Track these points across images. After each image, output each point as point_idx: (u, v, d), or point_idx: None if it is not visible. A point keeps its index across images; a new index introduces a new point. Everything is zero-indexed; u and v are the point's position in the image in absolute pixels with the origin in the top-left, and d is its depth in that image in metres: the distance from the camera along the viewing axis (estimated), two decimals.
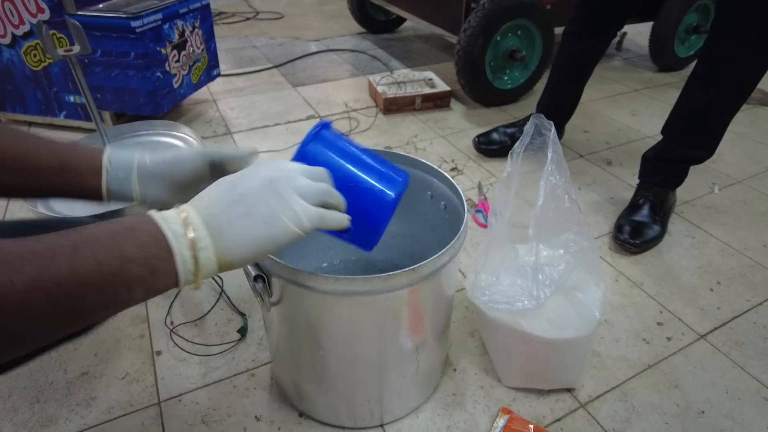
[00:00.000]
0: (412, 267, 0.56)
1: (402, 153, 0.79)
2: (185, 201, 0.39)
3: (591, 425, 0.76)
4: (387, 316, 0.60)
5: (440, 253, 0.58)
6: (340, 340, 0.62)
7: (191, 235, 0.35)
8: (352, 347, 0.63)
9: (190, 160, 0.50)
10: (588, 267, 0.75)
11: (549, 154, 0.70)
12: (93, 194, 0.49)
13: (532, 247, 0.70)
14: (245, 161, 0.52)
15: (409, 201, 0.83)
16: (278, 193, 0.38)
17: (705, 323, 0.93)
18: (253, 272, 0.60)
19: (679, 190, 1.22)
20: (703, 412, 0.78)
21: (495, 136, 1.46)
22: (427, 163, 0.77)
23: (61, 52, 0.75)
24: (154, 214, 0.35)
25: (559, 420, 0.77)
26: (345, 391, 0.70)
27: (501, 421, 0.75)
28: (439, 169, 0.75)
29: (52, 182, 0.47)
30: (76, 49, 0.76)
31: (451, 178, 0.73)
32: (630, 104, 1.82)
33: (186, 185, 0.51)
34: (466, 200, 1.28)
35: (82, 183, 0.48)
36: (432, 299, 0.65)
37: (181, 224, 0.35)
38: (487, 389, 0.81)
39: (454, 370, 0.84)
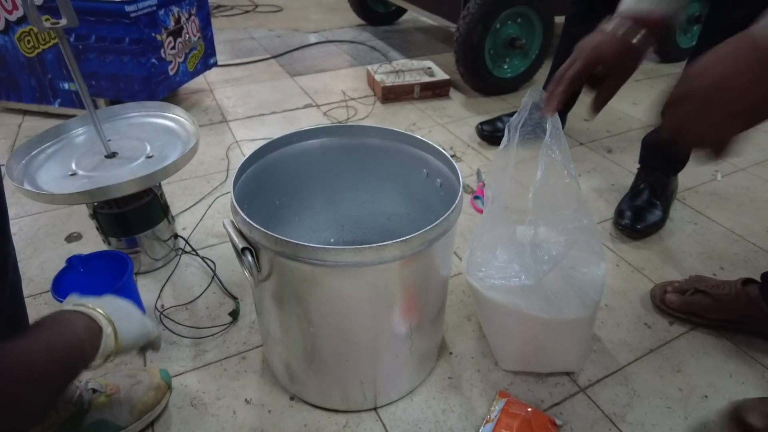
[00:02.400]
0: (404, 238, 0.54)
1: (398, 130, 0.77)
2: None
3: (591, 409, 0.74)
4: (378, 290, 0.58)
5: (433, 224, 0.56)
6: (330, 316, 0.60)
7: (108, 324, 0.55)
8: (343, 324, 0.61)
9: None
10: (588, 246, 0.73)
11: (548, 128, 0.68)
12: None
13: (530, 222, 0.68)
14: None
15: (404, 180, 0.81)
16: (136, 309, 0.62)
17: None
18: (240, 244, 0.58)
19: (680, 177, 1.20)
20: (706, 396, 0.76)
21: (499, 124, 1.44)
22: (423, 139, 0.75)
23: (47, 24, 0.73)
24: (90, 312, 0.54)
25: (558, 404, 0.75)
26: (336, 371, 0.68)
27: (498, 405, 0.73)
28: (434, 145, 0.73)
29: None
30: (63, 21, 0.74)
31: (447, 154, 0.71)
32: (631, 94, 1.80)
33: None
34: (464, 185, 1.26)
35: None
36: (425, 274, 0.62)
37: (104, 318, 0.55)
38: (484, 373, 0.79)
39: (450, 353, 0.82)
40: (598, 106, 0.66)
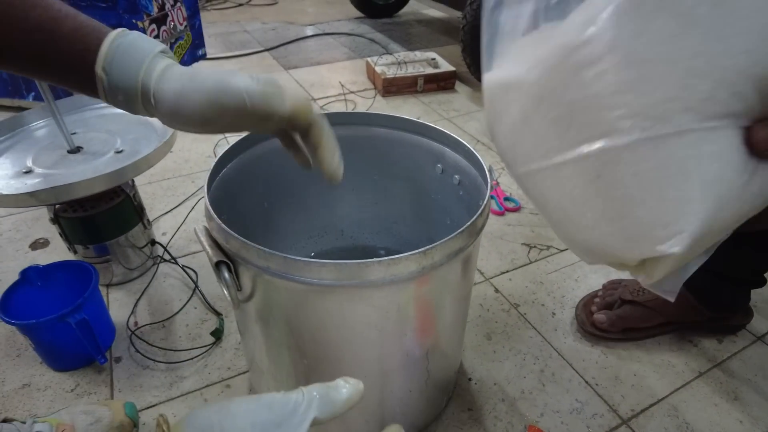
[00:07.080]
0: (422, 249, 0.42)
1: (408, 117, 0.65)
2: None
3: None
4: (389, 314, 0.46)
5: (459, 231, 0.45)
6: (328, 347, 0.49)
7: None
8: (344, 355, 0.49)
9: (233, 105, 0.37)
10: None
11: None
12: (84, 71, 0.36)
13: None
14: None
15: (414, 178, 0.70)
16: None
17: (764, 321, 0.80)
18: (215, 257, 0.46)
19: None
20: None
21: None
22: (437, 128, 0.63)
23: None
24: None
25: None
26: None
27: None
28: (452, 135, 0.61)
29: (34, 41, 0.34)
30: None
31: (469, 145, 0.59)
32: None
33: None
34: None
35: (74, 52, 0.35)
36: (447, 293, 0.51)
37: None
38: (509, 402, 0.67)
39: (470, 379, 0.71)
40: None
